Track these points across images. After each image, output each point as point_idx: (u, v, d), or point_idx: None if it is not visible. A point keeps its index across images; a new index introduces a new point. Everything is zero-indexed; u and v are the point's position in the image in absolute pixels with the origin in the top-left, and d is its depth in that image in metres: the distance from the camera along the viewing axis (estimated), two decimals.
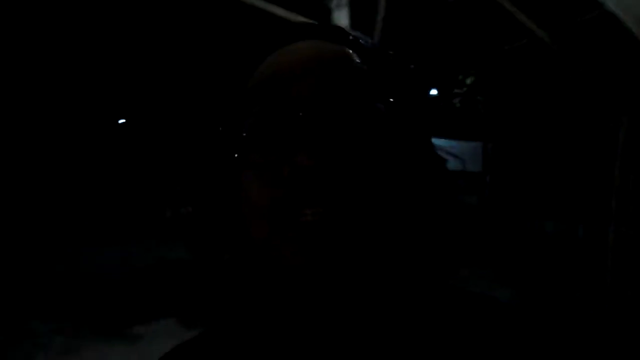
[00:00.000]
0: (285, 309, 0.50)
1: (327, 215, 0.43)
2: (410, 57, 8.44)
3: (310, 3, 4.40)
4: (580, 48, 6.62)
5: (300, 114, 0.43)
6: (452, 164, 11.40)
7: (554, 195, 8.25)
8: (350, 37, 0.50)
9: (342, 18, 4.50)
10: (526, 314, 0.50)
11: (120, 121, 13.21)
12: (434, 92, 9.51)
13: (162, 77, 10.92)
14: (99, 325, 4.95)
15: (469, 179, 10.96)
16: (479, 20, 7.74)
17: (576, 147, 7.77)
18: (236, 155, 0.47)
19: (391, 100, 0.47)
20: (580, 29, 6.55)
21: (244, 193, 0.47)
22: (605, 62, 6.55)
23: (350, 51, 0.48)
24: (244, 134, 0.46)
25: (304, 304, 0.48)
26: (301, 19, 4.09)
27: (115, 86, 11.58)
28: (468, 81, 9.17)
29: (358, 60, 0.47)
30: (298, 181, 0.43)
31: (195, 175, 0.56)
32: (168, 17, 8.50)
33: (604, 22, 5.66)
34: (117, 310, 5.34)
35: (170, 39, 9.15)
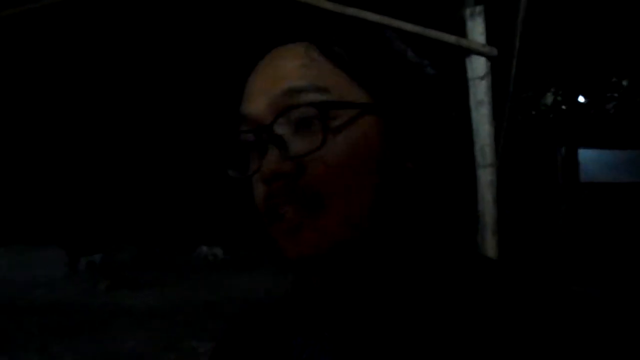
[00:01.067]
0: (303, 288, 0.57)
1: (298, 213, 0.48)
2: (555, 64, 7.71)
3: (442, 14, 4.18)
4: None
5: (257, 126, 0.50)
6: (603, 176, 10.30)
7: None
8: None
9: (476, 27, 4.19)
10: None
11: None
12: (581, 99, 8.57)
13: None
14: None
15: (628, 190, 9.73)
16: (632, 14, 6.80)
17: None
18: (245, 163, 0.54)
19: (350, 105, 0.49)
20: None
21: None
22: None
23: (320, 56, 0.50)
24: (244, 144, 0.53)
25: (313, 285, 0.54)
26: (432, 32, 3.89)
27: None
28: (624, 83, 8.13)
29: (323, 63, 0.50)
30: (268, 184, 0.49)
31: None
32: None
33: None
34: None
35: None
